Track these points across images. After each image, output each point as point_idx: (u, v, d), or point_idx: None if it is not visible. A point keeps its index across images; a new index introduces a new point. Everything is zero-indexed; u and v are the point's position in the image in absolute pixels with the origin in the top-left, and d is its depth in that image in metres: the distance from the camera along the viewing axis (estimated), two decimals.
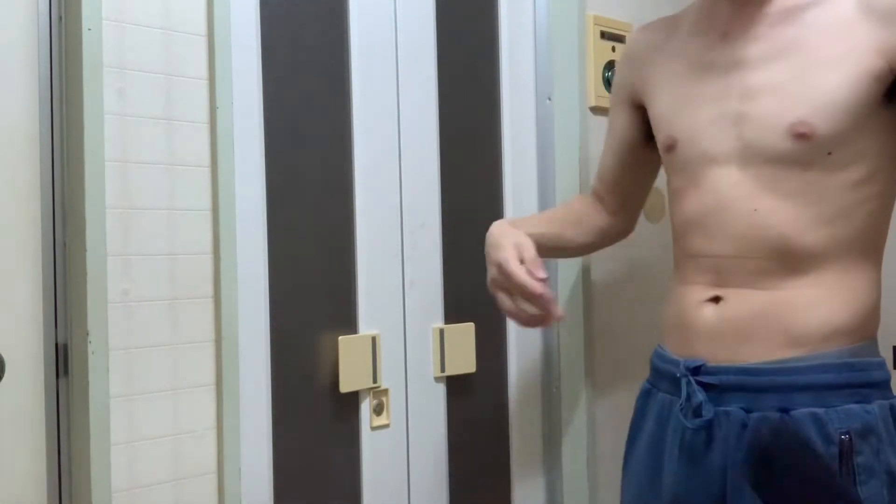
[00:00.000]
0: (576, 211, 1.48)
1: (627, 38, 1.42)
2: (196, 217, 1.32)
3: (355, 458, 1.52)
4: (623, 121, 1.38)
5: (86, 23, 1.20)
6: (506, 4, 1.75)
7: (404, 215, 1.59)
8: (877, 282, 1.12)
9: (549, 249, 1.34)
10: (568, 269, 1.73)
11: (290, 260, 1.45)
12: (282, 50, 1.45)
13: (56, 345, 1.24)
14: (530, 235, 1.24)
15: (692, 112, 1.18)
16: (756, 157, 1.10)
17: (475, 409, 1.69)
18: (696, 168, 1.17)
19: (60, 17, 1.25)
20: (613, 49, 1.81)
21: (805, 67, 1.07)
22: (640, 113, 1.34)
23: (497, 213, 1.73)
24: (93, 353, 1.20)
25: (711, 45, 1.18)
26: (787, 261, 1.09)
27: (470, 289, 1.68)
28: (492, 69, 1.74)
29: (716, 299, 1.14)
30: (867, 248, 1.11)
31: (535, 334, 1.77)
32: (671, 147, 1.21)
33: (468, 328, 1.67)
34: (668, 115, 1.23)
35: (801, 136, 1.06)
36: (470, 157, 1.70)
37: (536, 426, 1.77)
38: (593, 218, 1.46)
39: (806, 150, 1.07)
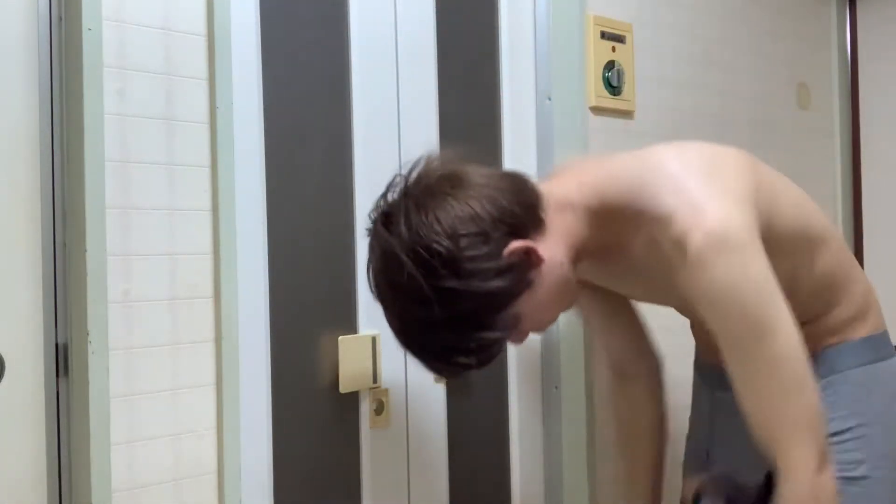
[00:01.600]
0: (628, 426, 1.49)
1: None
2: (196, 217, 1.32)
3: (355, 458, 1.52)
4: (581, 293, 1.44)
5: (86, 23, 1.20)
6: (506, 4, 1.75)
7: None
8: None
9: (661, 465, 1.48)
10: None
11: (290, 260, 1.45)
12: (282, 50, 1.45)
13: (56, 345, 1.24)
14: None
15: (631, 292, 1.36)
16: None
17: (475, 409, 1.69)
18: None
19: (60, 17, 1.25)
20: (613, 49, 1.81)
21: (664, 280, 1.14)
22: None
23: None
24: (93, 353, 1.20)
25: (605, 268, 1.25)
26: None
27: None
28: (492, 69, 1.74)
29: None
30: (839, 294, 1.26)
31: (534, 335, 1.77)
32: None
33: None
34: (616, 288, 1.36)
35: None
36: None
37: (536, 426, 1.77)
38: (633, 405, 1.47)
39: None
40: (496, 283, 1.04)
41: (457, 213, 1.04)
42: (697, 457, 1.41)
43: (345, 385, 1.49)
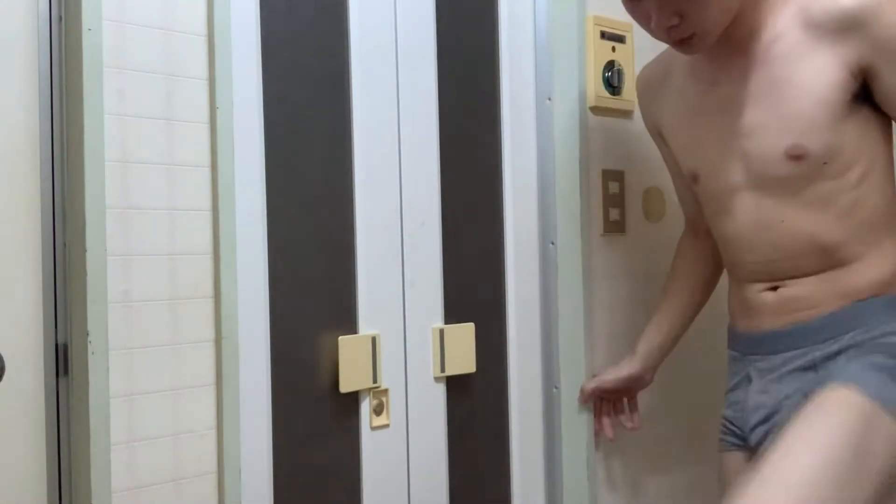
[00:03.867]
0: (689, 279, 1.63)
1: (637, 78, 1.57)
2: (196, 217, 1.32)
3: (355, 458, 1.52)
4: (665, 151, 1.58)
5: (86, 23, 1.20)
6: (506, 4, 1.75)
7: (404, 215, 1.59)
8: None
9: (684, 328, 1.63)
10: (568, 268, 1.73)
11: (290, 260, 1.45)
12: (282, 50, 1.45)
13: (56, 345, 1.24)
14: (647, 351, 1.62)
15: (705, 150, 1.36)
16: (768, 182, 1.28)
17: (475, 409, 1.69)
18: (721, 197, 1.36)
19: (60, 17, 1.25)
20: (613, 49, 1.81)
21: (784, 100, 1.23)
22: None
23: (497, 213, 1.73)
24: (93, 353, 1.20)
25: (705, 91, 1.35)
26: (825, 254, 1.26)
27: (470, 289, 1.68)
28: (492, 69, 1.74)
29: (774, 288, 1.32)
30: (886, 231, 1.27)
31: (535, 334, 1.77)
32: (695, 178, 1.41)
33: (468, 328, 1.67)
34: (686, 151, 1.41)
35: (797, 157, 1.23)
36: (470, 157, 1.70)
37: (536, 426, 1.77)
38: (701, 264, 1.62)
39: (805, 168, 1.23)
40: None
41: None
42: (734, 432, 1.43)
43: (345, 385, 1.49)
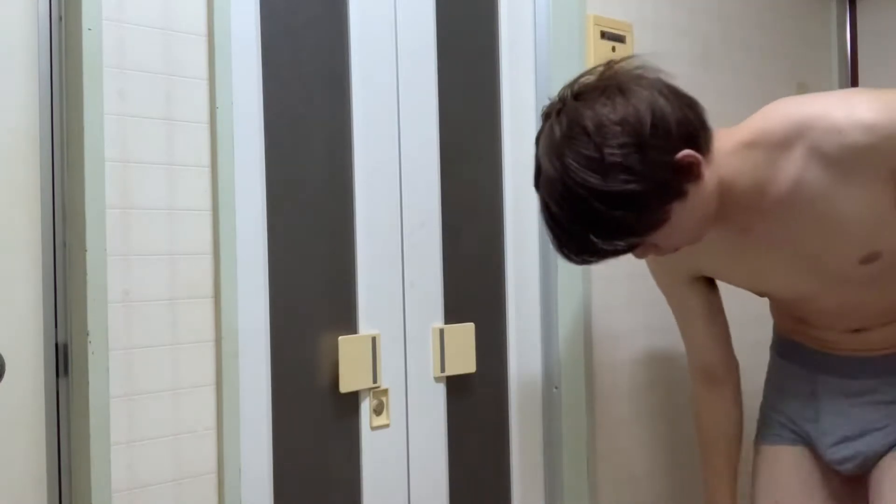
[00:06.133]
0: (719, 429, 1.56)
1: (651, 261, 1.49)
2: (196, 217, 1.32)
3: (355, 458, 1.52)
4: (680, 297, 1.50)
5: (86, 23, 1.20)
6: (506, 4, 1.75)
7: (404, 215, 1.59)
8: None
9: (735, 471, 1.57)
10: (568, 269, 1.73)
11: (290, 260, 1.45)
12: (282, 50, 1.45)
13: (56, 345, 1.24)
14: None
15: (766, 278, 1.35)
16: (845, 282, 1.29)
17: (475, 409, 1.69)
18: (794, 301, 1.40)
19: (60, 17, 1.25)
20: (613, 49, 1.81)
21: (838, 232, 1.21)
22: (701, 282, 1.47)
23: (497, 213, 1.73)
24: (93, 353, 1.20)
25: (738, 235, 1.29)
26: None
27: (470, 289, 1.68)
28: (492, 69, 1.74)
29: (856, 331, 1.38)
30: None
31: (535, 334, 1.77)
32: (763, 294, 1.43)
33: (468, 328, 1.67)
34: (745, 282, 1.39)
35: (871, 259, 1.24)
36: (470, 156, 1.70)
37: (536, 426, 1.77)
38: (727, 423, 1.55)
39: (879, 264, 1.25)
40: (664, 176, 1.10)
41: (649, 103, 1.10)
42: (794, 430, 1.48)
43: (345, 385, 1.49)
